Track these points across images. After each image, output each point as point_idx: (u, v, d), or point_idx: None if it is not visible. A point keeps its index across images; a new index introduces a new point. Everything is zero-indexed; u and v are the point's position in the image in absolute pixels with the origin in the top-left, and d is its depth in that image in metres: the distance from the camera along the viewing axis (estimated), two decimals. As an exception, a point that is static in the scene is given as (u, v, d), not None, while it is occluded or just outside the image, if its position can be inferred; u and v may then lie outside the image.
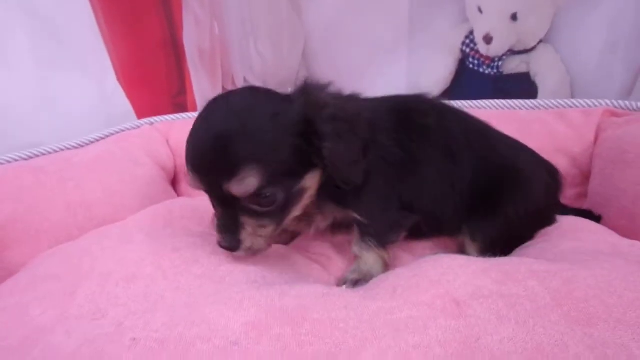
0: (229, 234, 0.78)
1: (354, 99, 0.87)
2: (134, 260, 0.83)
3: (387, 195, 0.89)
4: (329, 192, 0.84)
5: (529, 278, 0.67)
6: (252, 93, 0.83)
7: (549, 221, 0.98)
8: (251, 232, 0.78)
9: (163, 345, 0.60)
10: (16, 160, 1.17)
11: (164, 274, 0.80)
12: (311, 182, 0.80)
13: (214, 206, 0.82)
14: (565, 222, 0.99)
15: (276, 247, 1.02)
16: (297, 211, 0.82)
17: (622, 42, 1.40)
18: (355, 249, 0.92)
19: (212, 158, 0.72)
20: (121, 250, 0.87)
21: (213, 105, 0.80)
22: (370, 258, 0.89)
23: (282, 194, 0.76)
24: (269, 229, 0.79)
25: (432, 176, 0.91)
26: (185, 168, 0.77)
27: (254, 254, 0.82)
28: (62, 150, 1.23)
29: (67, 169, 1.16)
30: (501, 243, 0.90)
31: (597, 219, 1.06)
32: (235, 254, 0.81)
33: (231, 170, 0.71)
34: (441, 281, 0.68)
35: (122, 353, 0.60)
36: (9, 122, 1.24)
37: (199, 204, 1.14)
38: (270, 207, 0.76)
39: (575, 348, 0.56)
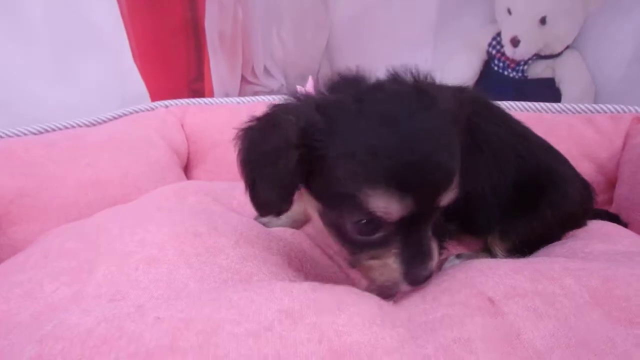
0: (427, 260, 0.66)
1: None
2: (154, 242, 0.80)
3: None
4: None
5: (565, 276, 0.63)
6: (413, 88, 0.69)
7: (579, 225, 0.96)
8: (437, 246, 0.68)
9: (189, 325, 0.56)
10: (25, 135, 1.12)
11: (187, 260, 0.77)
12: None
13: (364, 233, 0.65)
14: (595, 225, 0.97)
15: (299, 238, 0.98)
16: None
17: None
18: None
19: (431, 169, 0.60)
20: (140, 230, 0.83)
21: (378, 107, 0.63)
22: None
23: None
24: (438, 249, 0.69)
25: (480, 179, 0.86)
26: (366, 185, 0.60)
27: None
28: (74, 127, 1.19)
29: (80, 147, 1.13)
30: (531, 243, 0.87)
31: (624, 224, 1.04)
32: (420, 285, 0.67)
33: (450, 179, 0.62)
34: (473, 283, 0.65)
35: (144, 331, 0.56)
36: (21, 96, 1.20)
37: (215, 186, 1.10)
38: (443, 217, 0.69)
39: (622, 345, 0.53)
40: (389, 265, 0.65)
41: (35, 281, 0.71)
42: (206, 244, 0.81)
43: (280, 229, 1.00)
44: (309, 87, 0.77)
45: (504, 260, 0.74)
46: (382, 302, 0.67)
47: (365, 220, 0.63)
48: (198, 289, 0.68)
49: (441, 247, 0.84)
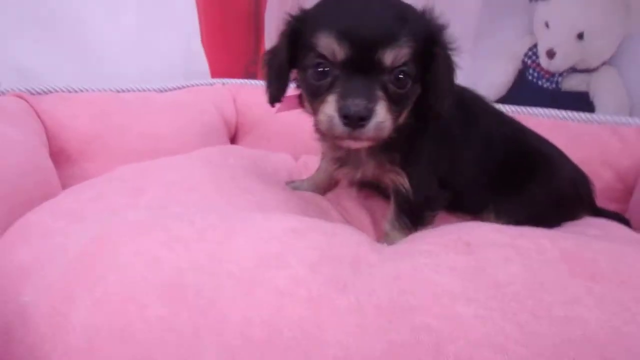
0: (363, 99, 0.74)
1: None
2: (194, 177, 0.96)
3: (435, 167, 0.95)
4: (391, 141, 0.86)
5: (542, 237, 0.72)
6: None
7: (574, 214, 1.03)
8: (385, 107, 0.76)
9: (214, 228, 0.70)
10: (107, 91, 1.33)
11: (220, 193, 0.92)
12: (417, 93, 0.84)
13: (325, 81, 0.78)
14: (595, 220, 1.04)
15: (317, 200, 1.12)
16: (403, 116, 0.84)
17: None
18: (387, 226, 0.98)
19: (373, 25, 0.75)
20: (184, 170, 1.00)
21: None
22: (398, 237, 0.93)
23: (412, 81, 0.79)
24: (393, 116, 0.78)
25: (469, 157, 0.99)
26: (318, 32, 0.77)
27: (376, 136, 0.78)
28: (145, 90, 1.39)
29: (147, 106, 1.33)
30: (524, 223, 0.91)
31: (627, 224, 1.08)
32: (359, 132, 0.75)
33: (392, 38, 0.75)
34: (456, 232, 0.75)
35: (179, 226, 0.70)
36: (108, 60, 1.42)
37: (254, 152, 1.26)
38: (403, 89, 0.79)
39: (573, 290, 0.61)
40: (329, 102, 0.76)
41: (101, 193, 0.88)
42: (239, 185, 0.96)
43: (304, 192, 1.14)
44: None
45: (493, 223, 0.83)
46: (375, 242, 0.79)
47: (318, 64, 0.78)
48: (226, 209, 0.83)
49: (427, 217, 0.97)
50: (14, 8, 1.34)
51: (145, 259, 0.64)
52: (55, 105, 1.19)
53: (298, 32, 0.83)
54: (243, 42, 1.72)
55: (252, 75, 1.75)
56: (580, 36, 1.50)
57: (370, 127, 0.75)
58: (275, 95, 0.91)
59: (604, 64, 1.52)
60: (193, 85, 1.50)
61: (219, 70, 1.65)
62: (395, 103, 0.78)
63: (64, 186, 1.05)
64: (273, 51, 0.90)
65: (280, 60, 0.87)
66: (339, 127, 0.75)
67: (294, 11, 0.86)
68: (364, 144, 0.81)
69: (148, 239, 0.68)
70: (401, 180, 0.93)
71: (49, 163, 1.03)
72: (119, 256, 0.65)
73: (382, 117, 0.75)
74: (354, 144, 0.81)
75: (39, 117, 1.15)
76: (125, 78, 1.41)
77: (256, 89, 1.57)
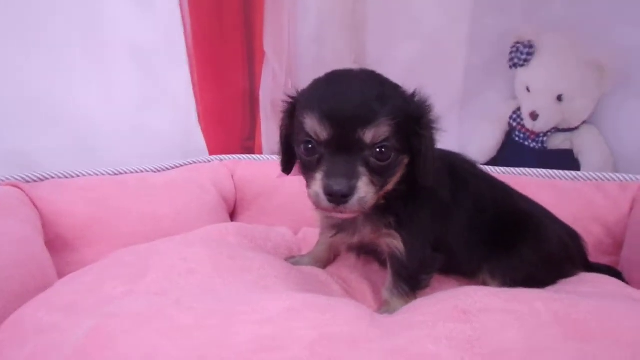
0: (345, 178, 0.79)
1: None
2: (194, 259, 0.96)
3: (428, 231, 0.98)
4: (386, 206, 0.92)
5: (536, 300, 0.73)
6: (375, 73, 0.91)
7: (567, 272, 1.05)
8: (366, 182, 0.80)
9: (213, 313, 0.71)
10: (103, 175, 1.36)
11: (219, 274, 0.93)
12: (404, 162, 0.88)
13: (311, 159, 0.84)
14: (588, 275, 1.06)
15: (317, 273, 1.13)
16: (391, 184, 0.88)
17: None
18: (387, 294, 1.00)
19: (353, 107, 0.79)
20: (184, 251, 1.00)
21: (339, 73, 0.88)
22: (398, 304, 0.95)
23: (395, 153, 0.83)
24: (377, 187, 0.83)
25: (460, 221, 1.02)
26: (305, 113, 0.82)
27: (360, 209, 0.82)
28: (143, 171, 1.42)
29: (145, 187, 1.35)
30: (520, 283, 0.93)
31: (620, 277, 1.11)
32: (343, 207, 0.80)
33: (370, 118, 0.79)
34: (452, 299, 0.76)
35: (177, 314, 0.71)
36: (106, 143, 1.47)
37: (254, 228, 1.28)
38: (385, 162, 0.82)
39: (565, 354, 0.63)
40: (317, 179, 0.81)
41: (99, 281, 0.88)
42: (237, 265, 0.97)
43: (304, 267, 1.15)
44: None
45: (488, 287, 0.84)
46: (375, 314, 0.80)
47: (307, 142, 0.84)
48: (223, 291, 0.84)
49: (423, 281, 0.99)
50: (10, 92, 1.38)
51: (144, 351, 0.64)
52: (51, 192, 1.21)
53: (294, 111, 0.90)
54: (239, 119, 1.79)
55: (248, 151, 1.80)
56: (559, 98, 1.57)
57: (354, 202, 0.79)
58: (286, 166, 0.98)
59: (584, 122, 1.59)
60: (191, 163, 1.54)
61: (216, 147, 1.70)
62: (378, 174, 0.83)
63: (61, 274, 1.04)
64: (280, 127, 0.97)
65: (283, 135, 0.95)
66: (325, 202, 0.81)
67: (289, 90, 0.94)
68: (350, 215, 0.86)
69: (147, 329, 0.68)
70: (396, 244, 0.95)
71: (44, 252, 1.04)
72: (116, 348, 0.65)
73: (363, 193, 0.80)
74: (340, 216, 0.86)
75: (34, 204, 1.17)
76: (122, 160, 1.45)
77: (254, 164, 1.62)
